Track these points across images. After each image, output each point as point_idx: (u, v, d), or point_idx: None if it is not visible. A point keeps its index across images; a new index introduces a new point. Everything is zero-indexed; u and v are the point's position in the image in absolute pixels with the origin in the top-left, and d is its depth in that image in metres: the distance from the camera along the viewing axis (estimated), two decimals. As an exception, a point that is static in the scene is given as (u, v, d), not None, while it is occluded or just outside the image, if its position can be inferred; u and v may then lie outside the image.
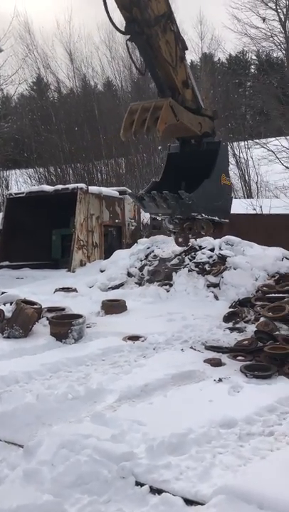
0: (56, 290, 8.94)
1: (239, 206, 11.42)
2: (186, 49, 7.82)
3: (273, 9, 23.65)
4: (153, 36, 6.90)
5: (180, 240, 8.39)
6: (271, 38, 24.22)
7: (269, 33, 24.03)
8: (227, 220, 8.38)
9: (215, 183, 7.84)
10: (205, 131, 8.04)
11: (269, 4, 23.55)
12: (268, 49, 25.92)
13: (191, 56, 31.24)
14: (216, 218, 8.08)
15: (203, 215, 7.76)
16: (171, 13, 7.36)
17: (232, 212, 10.02)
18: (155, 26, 6.87)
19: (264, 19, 23.71)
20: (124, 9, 6.77)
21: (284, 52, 24.96)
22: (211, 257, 9.37)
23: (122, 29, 6.90)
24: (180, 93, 7.45)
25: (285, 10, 23.49)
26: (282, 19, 23.64)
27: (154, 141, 26.29)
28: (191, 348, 5.59)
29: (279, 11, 23.63)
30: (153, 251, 10.42)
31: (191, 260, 9.73)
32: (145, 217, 15.72)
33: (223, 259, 9.26)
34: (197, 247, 10.52)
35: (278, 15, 23.70)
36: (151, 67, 7.28)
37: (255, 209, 13.97)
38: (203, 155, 8.11)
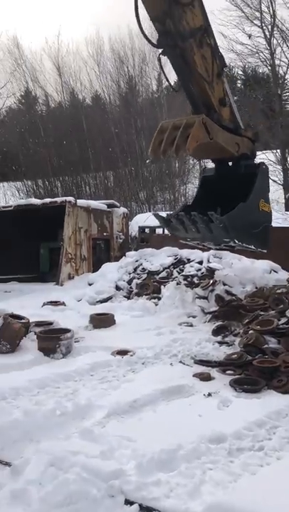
0: (44, 304, 8.88)
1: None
2: (225, 66, 7.32)
3: (259, 26, 24.18)
4: (187, 50, 6.51)
5: None
6: (257, 54, 24.72)
7: (255, 49, 24.52)
8: (265, 250, 7.79)
9: (252, 208, 7.20)
10: (243, 152, 7.49)
11: (254, 21, 24.07)
12: (253, 65, 26.43)
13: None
14: (252, 247, 7.50)
15: (236, 241, 7.14)
16: (209, 26, 6.91)
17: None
18: (190, 39, 6.46)
19: (250, 36, 24.21)
20: (157, 21, 6.41)
21: (269, 68, 25.44)
22: (200, 269, 9.39)
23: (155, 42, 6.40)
24: (216, 111, 7.02)
25: (269, 27, 24.02)
26: (268, 36, 24.16)
27: (141, 155, 26.47)
28: (180, 362, 5.57)
29: (264, 27, 24.16)
30: (141, 264, 10.43)
31: (179, 273, 9.76)
32: (133, 230, 15.77)
33: (211, 272, 9.29)
34: (185, 260, 10.55)
35: (263, 32, 24.22)
36: (185, 83, 6.89)
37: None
38: (241, 178, 7.45)
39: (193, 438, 3.47)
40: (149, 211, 22.98)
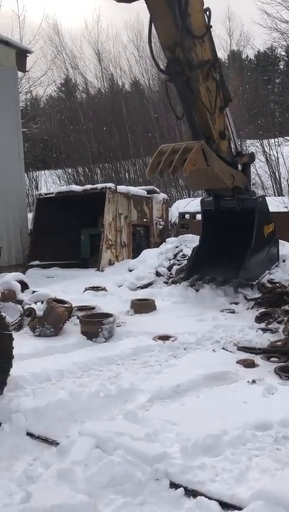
0: (86, 289, 8.97)
1: (269, 204, 11.18)
2: (230, 101, 7.72)
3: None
4: (193, 79, 6.86)
5: None
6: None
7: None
8: (277, 265, 8.43)
9: (258, 244, 7.87)
10: (237, 185, 7.85)
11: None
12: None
13: (219, 53, 30.87)
14: (266, 272, 8.13)
15: (254, 282, 7.86)
16: (216, 62, 7.30)
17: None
18: (197, 70, 6.83)
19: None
20: (168, 49, 6.79)
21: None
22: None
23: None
24: (215, 142, 7.31)
25: (316, 3, 22.97)
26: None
27: (181, 140, 26.12)
28: (223, 348, 5.50)
29: (310, 4, 23.12)
30: (181, 250, 10.33)
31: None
32: (173, 216, 15.64)
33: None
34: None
35: (309, 9, 23.19)
36: (188, 111, 7.21)
37: (287, 206, 13.68)
38: (241, 212, 7.99)
39: (238, 424, 3.42)
40: (189, 197, 22.73)
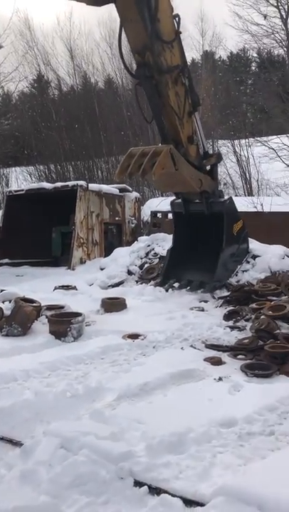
0: (56, 288, 8.90)
1: (240, 204, 11.35)
2: (199, 105, 7.86)
3: (275, 6, 23.55)
4: (162, 83, 6.92)
5: None
6: (272, 35, 24.13)
7: (270, 30, 23.94)
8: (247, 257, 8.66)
9: (229, 244, 8.13)
10: (204, 189, 7.99)
11: (270, 1, 23.44)
12: (269, 46, 25.83)
13: (192, 54, 31.13)
14: (238, 267, 8.39)
15: (228, 280, 8.05)
16: (185, 67, 7.37)
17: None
18: (166, 74, 6.89)
19: (265, 16, 23.62)
20: (138, 53, 6.84)
21: (285, 49, 24.86)
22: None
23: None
24: (183, 146, 7.40)
25: (286, 7, 23.39)
26: (284, 16, 23.54)
27: (154, 139, 26.18)
28: (191, 346, 5.55)
29: (280, 7, 23.53)
30: (153, 249, 10.38)
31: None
32: (146, 214, 15.68)
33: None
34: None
35: (279, 12, 23.60)
36: (157, 115, 7.26)
37: (256, 207, 13.90)
38: (210, 216, 8.21)
39: (204, 422, 3.46)
40: (162, 196, 22.84)
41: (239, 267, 8.36)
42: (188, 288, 7.83)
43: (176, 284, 7.99)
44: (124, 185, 15.55)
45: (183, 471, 2.86)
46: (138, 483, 2.78)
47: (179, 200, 8.54)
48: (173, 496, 2.65)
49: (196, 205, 8.36)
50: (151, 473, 2.82)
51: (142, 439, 3.17)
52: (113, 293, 8.35)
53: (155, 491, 2.73)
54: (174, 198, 9.05)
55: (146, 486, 2.75)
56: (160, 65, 6.77)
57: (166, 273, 8.28)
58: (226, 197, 8.99)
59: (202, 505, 2.57)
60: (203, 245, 8.09)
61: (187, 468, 2.89)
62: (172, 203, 8.88)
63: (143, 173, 6.83)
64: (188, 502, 2.63)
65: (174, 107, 7.06)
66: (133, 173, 6.99)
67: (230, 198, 8.79)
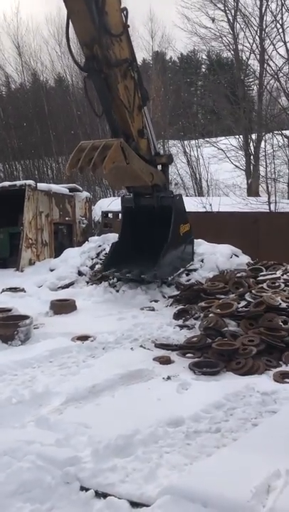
0: (3, 290, 8.65)
1: (190, 204, 11.51)
2: (148, 99, 7.83)
3: (222, 10, 24.01)
4: (112, 77, 6.86)
5: None
6: (220, 39, 24.61)
7: (218, 34, 24.40)
8: (192, 263, 8.61)
9: (175, 241, 8.03)
10: (156, 183, 7.98)
11: (218, 5, 23.90)
12: (217, 49, 26.34)
13: (142, 54, 31.24)
14: (181, 269, 8.26)
15: (170, 278, 7.98)
16: (134, 61, 7.35)
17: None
18: (115, 68, 6.83)
19: (213, 19, 24.03)
20: (86, 46, 6.73)
21: (232, 52, 25.43)
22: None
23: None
24: (134, 140, 7.38)
25: (233, 11, 23.92)
26: (231, 20, 24.06)
27: (104, 136, 26.08)
28: (141, 346, 5.56)
29: (227, 11, 24.03)
30: (104, 249, 10.29)
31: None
32: (97, 215, 15.58)
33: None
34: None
35: (227, 16, 24.08)
36: (107, 109, 7.20)
37: (205, 207, 14.14)
38: (159, 210, 8.14)
39: (152, 422, 3.47)
40: (113, 196, 22.78)
41: (182, 270, 8.37)
42: (129, 275, 7.80)
43: (116, 274, 7.99)
44: (75, 184, 15.38)
45: (129, 474, 2.86)
46: (84, 488, 2.75)
47: (130, 196, 8.48)
48: (119, 498, 2.64)
49: (146, 199, 8.33)
50: (97, 478, 2.80)
51: (88, 444, 3.14)
52: (63, 295, 8.22)
53: (101, 495, 2.71)
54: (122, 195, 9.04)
55: (92, 490, 2.72)
56: (109, 58, 6.73)
57: (108, 262, 8.28)
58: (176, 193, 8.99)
59: (148, 505, 2.57)
60: (148, 241, 8.08)
61: (134, 470, 2.89)
62: (122, 198, 8.88)
63: (94, 168, 6.75)
64: (135, 504, 2.63)
65: (124, 101, 7.03)
66: (83, 167, 6.89)
67: (180, 196, 8.84)
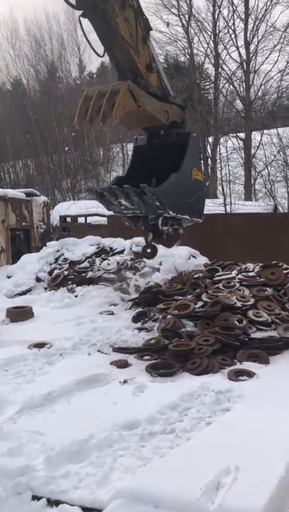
0: None
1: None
2: (150, 29, 7.02)
3: (176, 15, 24.40)
4: (109, 11, 6.13)
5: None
6: (175, 43, 24.97)
7: (173, 38, 24.75)
8: (200, 220, 7.71)
9: (184, 178, 7.11)
10: (173, 120, 7.30)
11: (172, 10, 24.25)
12: (173, 53, 26.69)
13: (95, 63, 31.23)
14: (187, 217, 7.34)
15: (171, 212, 6.99)
16: None
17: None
18: (111, 0, 6.02)
19: (168, 24, 24.36)
20: None
21: (188, 56, 25.84)
22: (119, 263, 9.42)
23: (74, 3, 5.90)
24: (143, 77, 6.74)
25: (186, 16, 24.32)
26: (185, 25, 24.47)
27: (63, 143, 25.93)
28: (99, 351, 5.53)
29: (181, 16, 24.42)
30: (63, 254, 10.23)
31: (101, 262, 9.70)
32: (55, 219, 15.42)
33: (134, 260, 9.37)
34: (108, 249, 10.51)
35: (181, 21, 24.50)
36: (109, 48, 6.57)
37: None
38: (172, 147, 7.32)
39: (107, 426, 3.47)
40: (74, 200, 22.63)
41: (189, 219, 7.34)
42: (127, 186, 6.70)
43: (113, 187, 6.91)
44: (32, 189, 15.15)
45: (82, 480, 2.84)
46: (36, 497, 2.72)
47: (144, 136, 7.69)
48: (72, 505, 2.63)
49: (160, 137, 7.55)
50: (49, 486, 2.77)
51: (41, 452, 3.10)
52: (20, 302, 8.08)
53: (54, 503, 2.69)
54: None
55: (44, 499, 2.69)
56: None
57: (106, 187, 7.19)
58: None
59: (100, 510, 2.57)
60: (160, 181, 6.91)
61: (87, 476, 2.88)
62: (136, 138, 7.96)
63: (103, 118, 6.16)
64: (87, 510, 2.62)
65: (126, 37, 6.31)
66: (93, 119, 6.26)
67: (197, 137, 8.12)
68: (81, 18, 6.28)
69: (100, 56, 7.49)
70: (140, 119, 7.06)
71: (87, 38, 6.68)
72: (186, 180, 7.18)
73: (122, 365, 4.97)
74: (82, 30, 6.54)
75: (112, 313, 7.40)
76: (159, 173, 6.90)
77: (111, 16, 6.15)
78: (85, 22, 6.38)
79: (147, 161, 7.49)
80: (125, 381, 4.48)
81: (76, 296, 8.09)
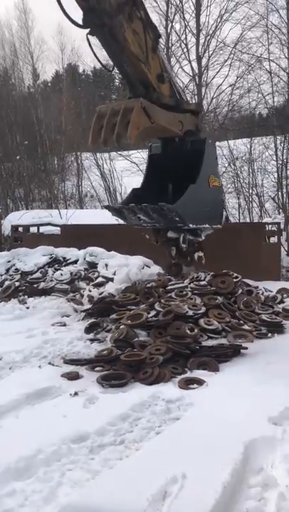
0: None
1: (105, 217, 11.55)
2: (159, 37, 6.88)
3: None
4: (116, 27, 5.98)
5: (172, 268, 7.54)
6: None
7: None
8: (220, 226, 7.70)
9: (202, 188, 7.10)
10: (187, 129, 7.24)
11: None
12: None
13: (55, 66, 31.12)
14: (207, 225, 7.39)
15: (191, 226, 7.03)
16: None
17: (97, 223, 9.31)
18: (118, 16, 5.91)
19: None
20: None
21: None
22: (72, 273, 9.37)
23: (80, 22, 5.75)
24: (155, 89, 6.61)
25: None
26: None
27: (15, 151, 25.50)
28: (50, 363, 5.45)
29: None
30: (14, 264, 10.02)
31: (54, 273, 9.59)
32: (6, 229, 15.09)
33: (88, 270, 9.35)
34: (61, 259, 10.40)
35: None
36: (119, 63, 6.44)
37: (117, 219, 14.28)
38: (188, 154, 7.31)
39: (55, 440, 3.41)
40: (27, 209, 22.26)
41: (209, 227, 7.41)
42: (146, 204, 6.75)
43: (131, 205, 6.95)
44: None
45: (28, 497, 2.78)
46: (-21, 519, 2.63)
47: (158, 144, 7.66)
48: (17, 524, 2.56)
49: (176, 144, 7.51)
50: (-7, 505, 2.69)
51: (-15, 470, 3.00)
52: None
53: (-2, 523, 2.61)
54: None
55: (-12, 520, 2.61)
56: (108, 7, 5.77)
57: (125, 201, 7.41)
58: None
59: (46, 528, 2.52)
60: (174, 189, 7.11)
61: (33, 492, 2.82)
62: (150, 146, 7.93)
63: (118, 138, 6.07)
64: (33, 528, 2.56)
65: (136, 50, 6.16)
66: (107, 139, 6.16)
67: (213, 143, 7.99)
68: (89, 36, 6.10)
69: (109, 71, 7.36)
70: (154, 132, 7.02)
71: (95, 55, 6.44)
72: (203, 190, 7.20)
73: (73, 377, 4.91)
74: (91, 47, 6.34)
75: (65, 325, 7.30)
76: (176, 180, 7.05)
77: (119, 31, 6.01)
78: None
79: (163, 169, 7.46)
80: (76, 393, 4.43)
81: (28, 308, 7.94)
